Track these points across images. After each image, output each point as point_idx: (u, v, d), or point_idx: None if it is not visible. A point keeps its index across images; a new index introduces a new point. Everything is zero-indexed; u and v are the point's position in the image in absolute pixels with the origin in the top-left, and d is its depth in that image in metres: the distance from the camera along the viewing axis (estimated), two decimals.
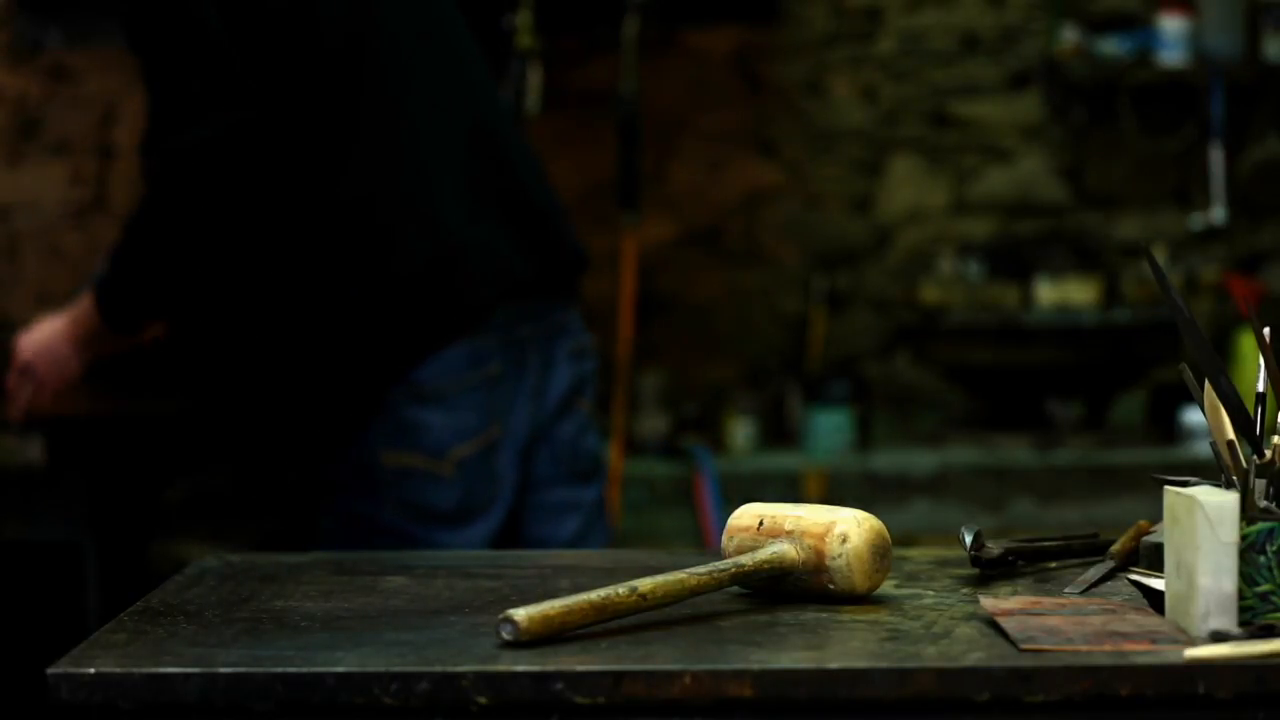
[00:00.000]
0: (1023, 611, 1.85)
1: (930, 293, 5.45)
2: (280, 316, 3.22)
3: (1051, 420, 5.32)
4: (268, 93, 3.06)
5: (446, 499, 3.14)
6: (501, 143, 3.25)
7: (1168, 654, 1.70)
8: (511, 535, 3.25)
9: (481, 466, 3.17)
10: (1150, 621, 1.82)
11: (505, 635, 1.74)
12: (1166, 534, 1.82)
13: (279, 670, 1.69)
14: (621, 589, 1.80)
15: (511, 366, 3.20)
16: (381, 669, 1.68)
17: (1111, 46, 5.54)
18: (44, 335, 3.34)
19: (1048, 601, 1.92)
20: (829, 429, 5.33)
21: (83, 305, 3.26)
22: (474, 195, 3.18)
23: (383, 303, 3.14)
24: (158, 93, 3.05)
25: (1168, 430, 5.34)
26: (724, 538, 2.00)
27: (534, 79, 4.69)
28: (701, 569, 1.88)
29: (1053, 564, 2.12)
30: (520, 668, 1.68)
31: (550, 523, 3.30)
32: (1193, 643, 1.72)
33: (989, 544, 2.07)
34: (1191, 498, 1.75)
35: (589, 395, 3.35)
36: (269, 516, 4.73)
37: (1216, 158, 5.53)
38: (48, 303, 5.45)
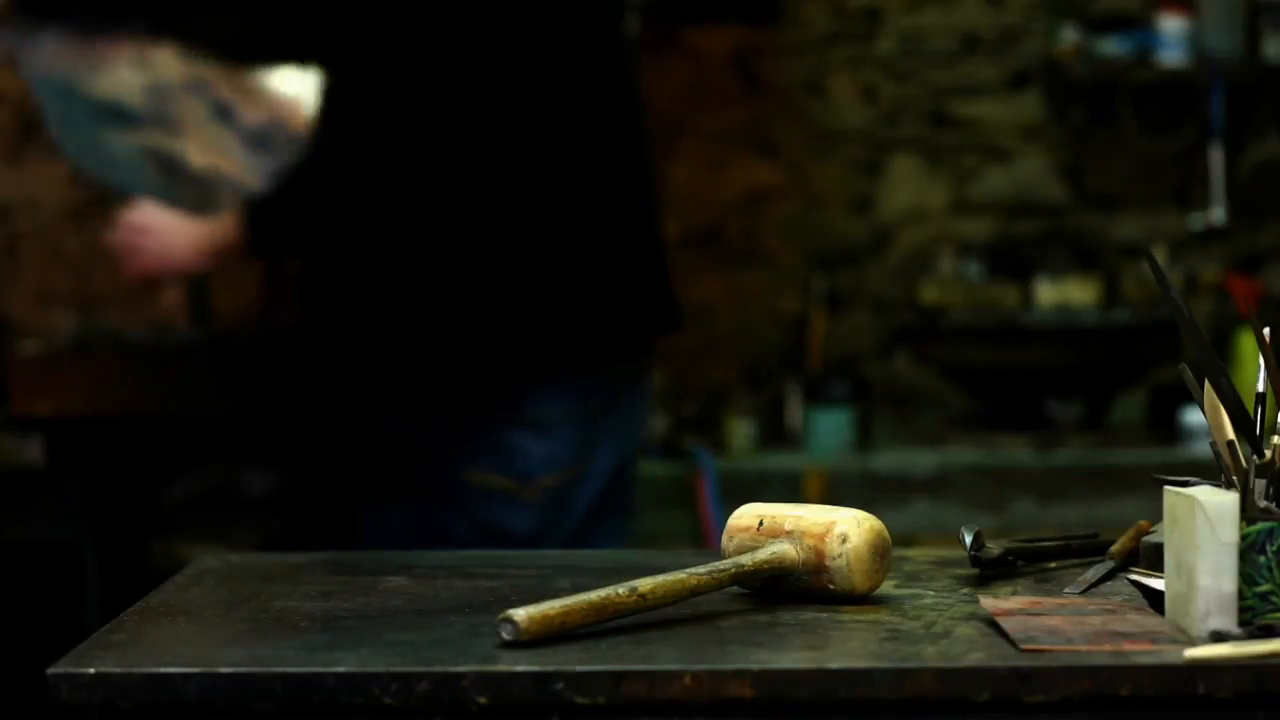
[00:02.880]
0: (1023, 611, 1.85)
1: (930, 293, 5.45)
2: (418, 309, 3.19)
3: (1051, 420, 5.32)
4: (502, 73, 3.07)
5: (524, 524, 3.14)
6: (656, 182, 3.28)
7: (1168, 654, 1.70)
8: None
9: (563, 498, 3.18)
10: (1150, 621, 1.82)
11: (505, 635, 1.74)
12: (1166, 534, 1.82)
13: (279, 670, 1.68)
14: (621, 589, 1.80)
15: (608, 405, 3.21)
16: (381, 669, 1.68)
17: (1111, 46, 5.54)
18: (170, 222, 3.32)
19: (1048, 601, 1.92)
20: (829, 429, 5.33)
21: (224, 222, 3.27)
22: (657, 234, 3.22)
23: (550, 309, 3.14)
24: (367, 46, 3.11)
25: (1168, 430, 5.34)
26: (724, 538, 2.00)
27: None
28: (701, 569, 1.88)
29: (1053, 564, 2.12)
30: (520, 668, 1.68)
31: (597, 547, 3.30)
32: (1193, 643, 1.72)
33: (989, 544, 2.07)
34: (1191, 498, 1.75)
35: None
36: (269, 516, 4.72)
37: (1216, 158, 5.53)
38: (48, 303, 5.46)
